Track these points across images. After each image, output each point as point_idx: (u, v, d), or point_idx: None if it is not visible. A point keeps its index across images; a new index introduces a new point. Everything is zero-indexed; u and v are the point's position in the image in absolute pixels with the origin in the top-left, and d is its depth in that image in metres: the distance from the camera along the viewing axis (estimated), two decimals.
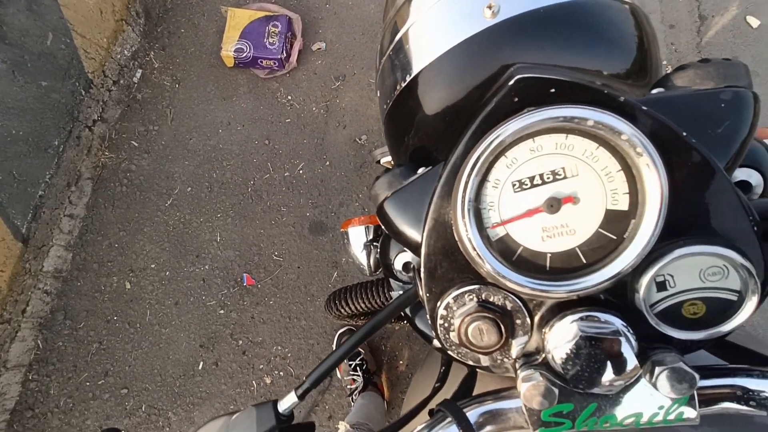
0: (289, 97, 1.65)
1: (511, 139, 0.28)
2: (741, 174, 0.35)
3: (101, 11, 1.54)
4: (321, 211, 1.52)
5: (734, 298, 0.27)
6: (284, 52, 1.61)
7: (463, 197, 0.29)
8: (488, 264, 0.28)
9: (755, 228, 0.27)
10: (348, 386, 1.28)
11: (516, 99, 0.29)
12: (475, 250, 0.29)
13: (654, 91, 0.30)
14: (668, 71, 0.33)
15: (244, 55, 1.61)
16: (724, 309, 0.27)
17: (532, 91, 0.28)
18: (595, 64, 0.35)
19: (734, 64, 0.29)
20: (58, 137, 1.43)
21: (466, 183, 0.29)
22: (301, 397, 0.34)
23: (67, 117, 1.46)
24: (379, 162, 0.88)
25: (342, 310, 0.75)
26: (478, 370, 0.38)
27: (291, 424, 0.35)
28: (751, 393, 0.27)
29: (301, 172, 1.57)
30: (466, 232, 0.29)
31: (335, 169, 1.56)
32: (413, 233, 0.33)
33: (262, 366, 1.40)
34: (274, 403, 0.34)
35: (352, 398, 1.26)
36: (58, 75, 1.42)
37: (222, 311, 1.44)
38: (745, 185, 0.35)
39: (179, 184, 1.57)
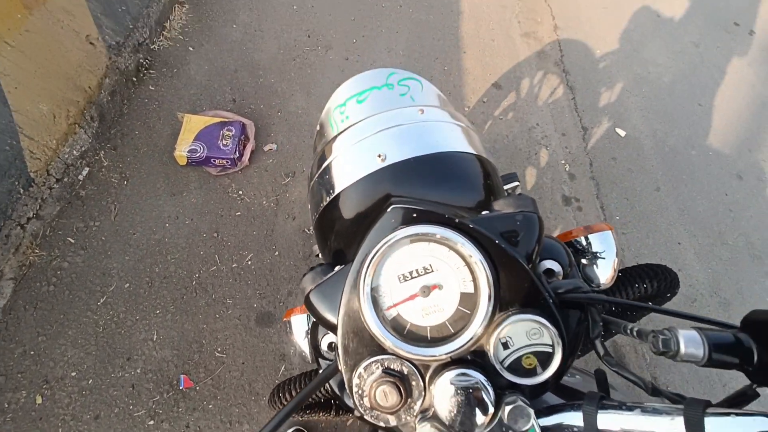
0: (240, 192, 1.74)
1: (389, 247, 0.40)
2: (547, 263, 0.51)
3: (54, 116, 1.61)
4: (269, 302, 1.52)
5: (550, 350, 0.38)
6: (237, 152, 1.75)
7: (364, 288, 0.40)
8: (386, 338, 0.38)
9: (551, 300, 0.39)
10: None
11: (392, 221, 0.42)
12: (375, 327, 0.38)
13: (483, 213, 0.44)
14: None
15: (198, 155, 1.71)
16: (547, 359, 0.38)
17: (403, 217, 0.42)
18: (449, 197, 0.51)
19: (525, 197, 0.44)
20: None
21: (365, 277, 0.40)
22: None
23: None
24: (318, 255, 0.98)
25: (287, 403, 0.75)
26: None
27: None
28: (570, 427, 0.36)
29: (249, 262, 1.59)
30: (368, 314, 0.39)
31: (284, 258, 1.61)
32: (332, 317, 0.43)
33: None
34: None
35: None
36: None
37: (152, 422, 1.29)
38: (550, 272, 0.51)
39: (116, 280, 1.50)
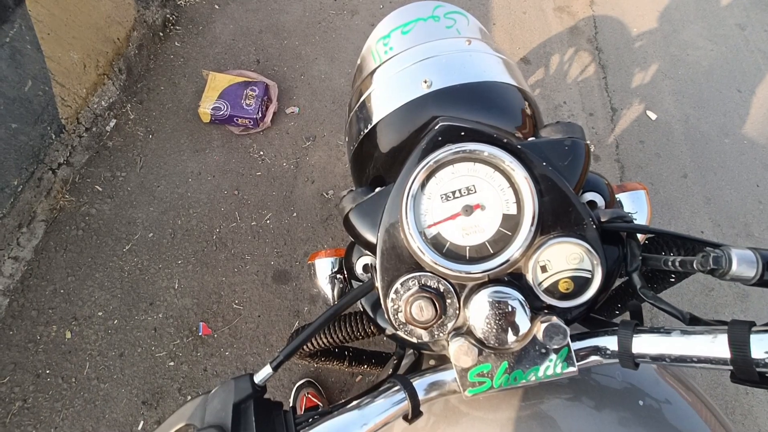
0: (261, 153, 1.76)
1: (437, 164, 0.40)
2: (589, 196, 0.51)
3: (85, 65, 1.63)
4: (285, 260, 1.55)
5: (589, 275, 0.38)
6: (260, 113, 1.75)
7: (406, 206, 0.40)
8: (426, 254, 0.38)
9: (594, 227, 0.39)
10: None
11: (440, 138, 0.42)
12: (416, 244, 0.39)
13: (529, 139, 0.45)
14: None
15: (221, 113, 1.73)
16: (584, 284, 0.38)
17: (451, 134, 0.42)
18: (494, 121, 0.51)
19: (573, 124, 0.44)
20: (18, 177, 1.41)
21: (408, 195, 0.40)
22: (275, 369, 0.39)
23: (32, 159, 1.46)
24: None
25: (307, 346, 0.78)
26: (424, 356, 0.45)
27: (264, 396, 0.39)
28: (605, 349, 0.37)
29: (268, 222, 1.62)
30: (409, 231, 0.39)
31: (302, 220, 1.63)
32: (370, 237, 0.44)
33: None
34: (251, 375, 0.38)
35: None
36: (30, 119, 1.44)
37: (172, 363, 1.36)
38: (592, 204, 0.51)
39: (141, 229, 1.56)
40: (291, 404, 1.30)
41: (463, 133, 0.41)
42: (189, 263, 1.52)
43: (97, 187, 1.61)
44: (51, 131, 1.51)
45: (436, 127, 0.42)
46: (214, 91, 1.77)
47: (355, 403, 0.39)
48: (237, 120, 1.74)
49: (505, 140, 0.40)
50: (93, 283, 1.45)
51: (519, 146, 0.40)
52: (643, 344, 0.34)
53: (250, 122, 1.75)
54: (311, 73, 1.96)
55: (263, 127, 1.79)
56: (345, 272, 0.63)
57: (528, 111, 0.56)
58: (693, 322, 0.36)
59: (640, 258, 0.41)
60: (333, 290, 0.64)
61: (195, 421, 0.35)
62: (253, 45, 2.01)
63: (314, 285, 0.65)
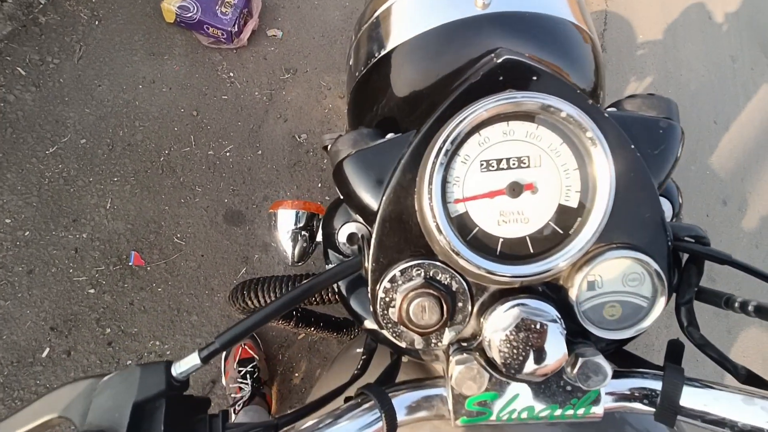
0: (231, 74, 1.53)
1: (491, 114, 0.28)
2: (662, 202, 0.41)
3: None
4: (241, 201, 1.41)
5: (645, 304, 0.30)
6: (236, 26, 1.51)
7: (433, 166, 0.29)
8: (446, 236, 0.28)
9: (670, 244, 0.31)
10: (232, 394, 1.16)
11: (501, 78, 0.30)
12: (435, 220, 0.28)
13: (609, 109, 0.35)
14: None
15: (189, 15, 1.46)
16: (635, 314, 0.30)
17: (517, 74, 0.30)
18: (562, 72, 0.40)
19: (670, 102, 0.34)
20: None
21: (439, 151, 0.28)
22: (204, 360, 0.28)
23: None
24: (326, 148, 0.85)
25: (251, 302, 0.69)
26: (402, 359, 0.38)
27: (184, 394, 0.29)
28: (648, 391, 0.30)
29: (227, 154, 1.44)
30: (429, 201, 0.29)
31: (267, 160, 1.48)
32: (369, 198, 0.33)
33: (129, 362, 1.19)
34: (168, 364, 0.28)
35: (234, 409, 1.14)
36: None
37: (92, 290, 1.21)
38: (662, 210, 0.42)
39: (71, 132, 1.31)
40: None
41: (535, 78, 0.30)
42: (127, 183, 1.32)
43: (19, 69, 1.32)
44: None
45: (498, 60, 0.30)
46: None
47: (312, 422, 0.29)
48: (207, 28, 1.49)
49: (590, 101, 0.29)
50: (2, 184, 1.22)
51: (606, 115, 0.30)
52: (693, 398, 0.28)
53: (222, 34, 1.50)
54: None
55: (238, 45, 1.55)
56: (313, 231, 0.53)
57: (599, 71, 0.45)
58: (751, 381, 0.30)
59: (695, 290, 0.33)
60: (294, 248, 0.54)
61: (73, 416, 0.25)
62: None
63: (272, 237, 0.55)
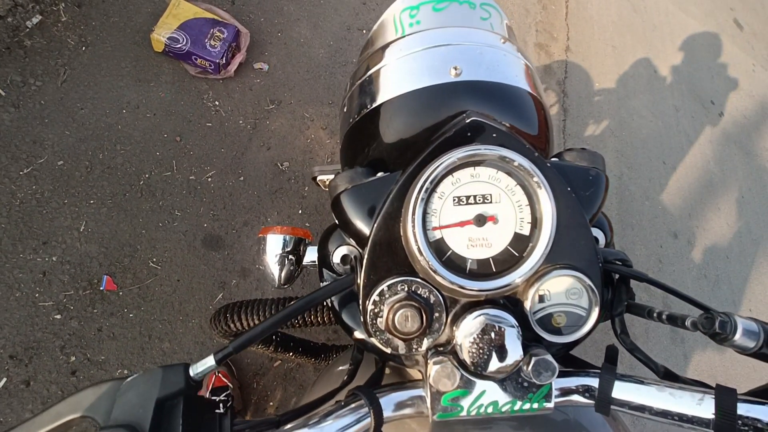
0: (217, 103, 1.58)
1: (461, 161, 0.36)
2: (594, 232, 0.51)
3: None
4: (221, 225, 1.41)
5: (584, 314, 0.37)
6: (224, 59, 1.57)
7: (416, 200, 0.36)
8: (426, 257, 0.35)
9: (600, 266, 0.38)
10: None
11: (469, 134, 0.39)
12: (417, 243, 0.35)
13: (552, 159, 0.43)
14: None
15: (179, 46, 1.52)
16: (577, 322, 0.37)
17: (481, 131, 0.39)
18: (517, 130, 0.49)
19: (597, 154, 0.43)
20: None
21: (421, 189, 0.36)
22: (219, 362, 0.33)
23: None
24: (315, 178, 0.90)
25: (233, 325, 0.70)
26: (386, 367, 0.42)
27: (198, 394, 0.32)
28: (589, 387, 0.37)
29: (209, 179, 1.46)
30: (413, 229, 0.35)
31: (248, 186, 1.50)
32: (362, 225, 0.39)
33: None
34: (186, 366, 0.32)
35: None
36: None
37: (59, 316, 1.16)
38: (594, 239, 0.50)
39: (48, 153, 1.30)
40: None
41: (495, 135, 0.38)
42: (104, 205, 1.31)
43: None
44: None
45: (467, 121, 0.38)
46: (175, 19, 1.55)
47: (309, 416, 0.34)
48: (196, 59, 1.54)
49: (536, 154, 0.38)
50: None
51: (549, 164, 0.38)
52: (623, 392, 0.34)
53: (210, 65, 1.56)
54: (290, 34, 1.82)
55: (224, 76, 1.61)
56: (300, 255, 0.57)
57: (547, 129, 0.55)
58: (667, 377, 0.37)
59: (625, 304, 0.41)
60: (281, 272, 0.58)
61: (96, 415, 0.28)
62: None
63: (260, 261, 0.59)
